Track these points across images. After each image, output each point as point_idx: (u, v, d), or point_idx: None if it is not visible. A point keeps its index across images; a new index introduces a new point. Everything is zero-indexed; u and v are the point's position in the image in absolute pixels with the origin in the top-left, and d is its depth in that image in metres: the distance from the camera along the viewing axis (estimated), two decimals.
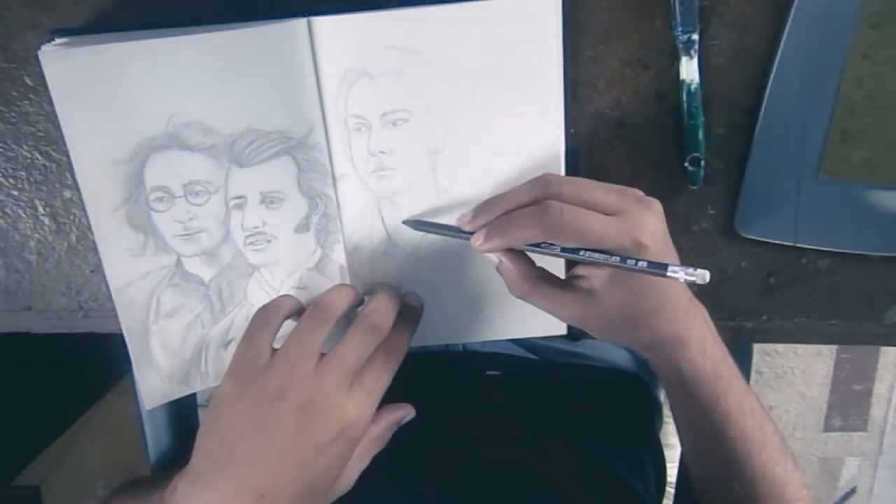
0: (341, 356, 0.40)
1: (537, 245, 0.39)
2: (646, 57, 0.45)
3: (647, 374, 0.75)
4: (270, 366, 0.40)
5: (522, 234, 0.39)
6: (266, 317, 0.43)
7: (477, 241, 0.40)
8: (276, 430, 0.39)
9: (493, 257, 0.42)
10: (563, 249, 0.38)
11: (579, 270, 0.42)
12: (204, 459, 0.40)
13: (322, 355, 0.40)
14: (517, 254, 0.41)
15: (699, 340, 0.42)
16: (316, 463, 0.39)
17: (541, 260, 0.41)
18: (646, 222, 0.38)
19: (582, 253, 0.37)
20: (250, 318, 0.43)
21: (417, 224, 0.45)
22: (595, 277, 0.41)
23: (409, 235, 0.46)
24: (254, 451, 0.39)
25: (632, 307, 0.40)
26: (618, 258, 0.37)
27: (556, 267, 0.44)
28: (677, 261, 0.41)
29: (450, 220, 0.45)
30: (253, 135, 0.43)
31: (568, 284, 0.42)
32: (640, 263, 0.36)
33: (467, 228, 0.41)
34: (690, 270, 0.34)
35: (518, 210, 0.39)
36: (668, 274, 0.35)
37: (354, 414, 0.40)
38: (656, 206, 0.39)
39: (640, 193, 0.40)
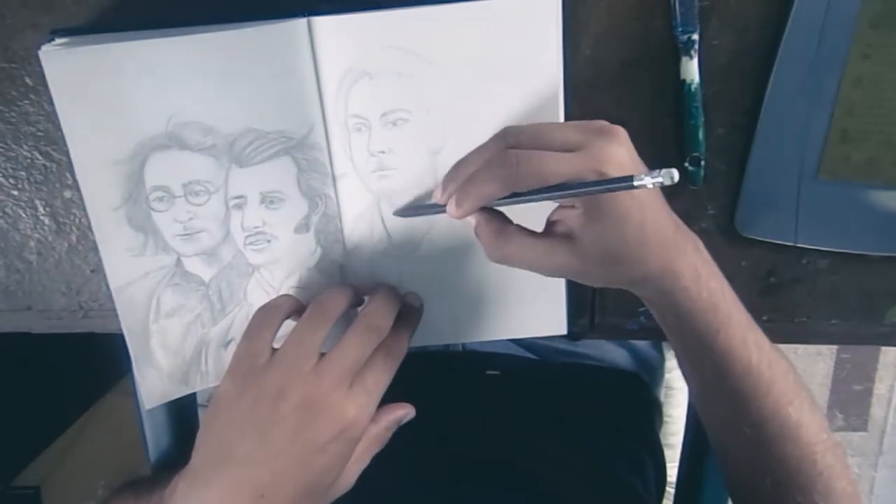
0: (341, 356, 0.40)
1: (508, 198, 0.38)
2: (646, 57, 0.45)
3: (647, 374, 0.75)
4: (270, 365, 0.40)
5: (486, 191, 0.38)
6: (266, 316, 0.43)
7: (450, 210, 0.39)
8: (276, 430, 0.39)
9: (472, 220, 0.41)
10: (529, 193, 0.37)
11: (553, 216, 0.41)
12: (203, 459, 0.40)
13: (322, 355, 0.40)
14: (491, 213, 0.40)
15: (691, 269, 0.40)
16: (315, 462, 0.39)
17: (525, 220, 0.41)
18: (609, 152, 0.36)
19: (549, 194, 0.36)
20: (250, 317, 0.43)
21: (404, 211, 0.45)
22: (569, 219, 0.39)
23: (409, 235, 0.46)
24: (253, 450, 0.39)
25: (612, 243, 0.38)
26: (579, 184, 0.35)
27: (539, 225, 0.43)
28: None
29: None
30: (253, 135, 0.43)
31: (544, 234, 0.40)
32: (604, 180, 0.34)
33: (440, 201, 0.40)
34: (656, 173, 0.32)
35: (477, 169, 0.38)
36: (635, 184, 0.32)
37: (354, 414, 0.40)
38: (619, 133, 0.37)
39: (602, 123, 0.38)
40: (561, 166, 0.36)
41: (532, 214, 0.40)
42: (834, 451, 0.44)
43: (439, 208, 0.41)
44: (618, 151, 0.36)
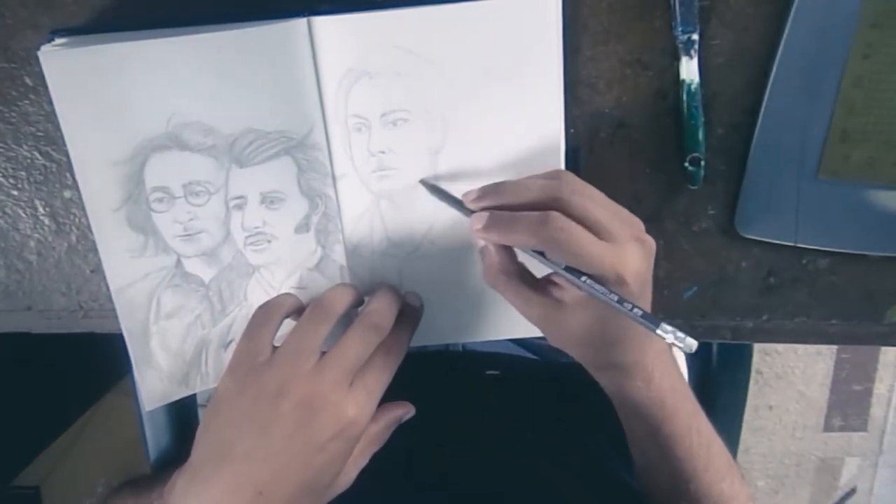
0: (341, 354, 0.40)
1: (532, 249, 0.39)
2: (646, 57, 0.45)
3: None
4: (270, 363, 0.40)
5: (519, 239, 0.39)
6: (266, 314, 0.43)
7: (475, 224, 0.40)
8: (276, 428, 0.39)
9: (481, 241, 0.42)
10: (565, 268, 0.38)
11: (557, 277, 0.42)
12: (203, 456, 0.40)
13: (322, 354, 0.41)
14: (504, 246, 0.41)
15: (646, 370, 0.42)
16: (315, 461, 0.39)
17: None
18: (635, 260, 0.38)
19: (584, 280, 0.37)
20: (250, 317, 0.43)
21: (432, 188, 0.45)
22: (569, 291, 0.41)
23: (409, 235, 0.46)
24: (253, 447, 0.39)
25: (594, 331, 0.40)
26: (614, 297, 0.36)
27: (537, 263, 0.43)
28: (648, 304, 0.41)
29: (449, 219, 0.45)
30: (253, 135, 0.43)
31: (540, 287, 0.42)
32: (634, 310, 0.36)
33: (471, 207, 0.41)
34: (680, 335, 0.34)
35: (522, 214, 0.38)
36: (658, 332, 0.34)
37: (354, 413, 0.40)
38: (650, 245, 0.39)
39: (641, 227, 0.40)
40: (591, 251, 0.37)
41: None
42: None
43: (460, 206, 0.42)
44: (642, 262, 0.38)
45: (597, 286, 0.37)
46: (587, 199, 0.38)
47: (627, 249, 0.38)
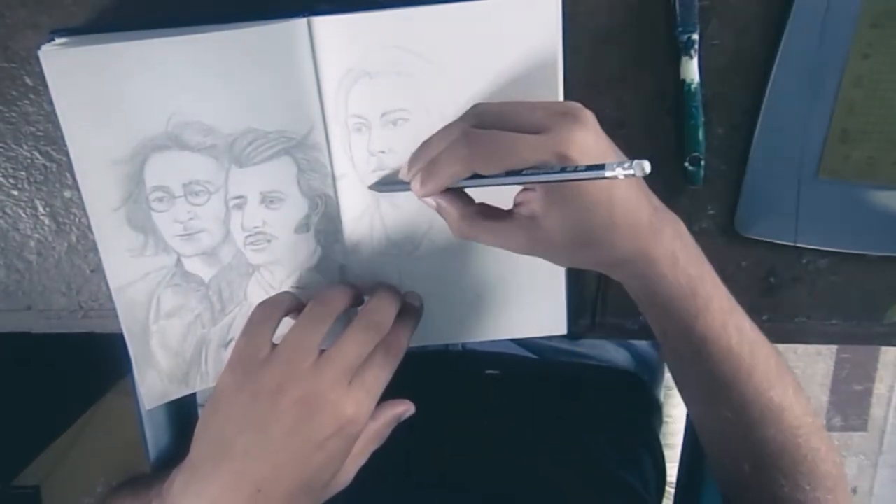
0: (341, 353, 0.40)
1: (473, 179, 0.37)
2: (646, 57, 0.45)
3: (647, 374, 0.75)
4: (270, 360, 0.40)
5: (450, 171, 0.37)
6: (266, 312, 0.43)
7: (414, 187, 0.39)
8: (275, 425, 0.39)
9: (431, 201, 0.41)
10: (501, 175, 0.36)
11: (517, 198, 0.40)
12: (202, 453, 0.40)
13: (322, 352, 0.41)
14: (454, 193, 0.40)
15: (668, 255, 0.39)
16: (314, 458, 0.39)
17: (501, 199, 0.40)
18: (573, 136, 0.35)
19: (524, 172, 0.35)
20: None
21: (378, 186, 0.45)
22: (532, 202, 0.38)
23: (408, 235, 0.46)
24: (251, 445, 0.39)
25: (577, 226, 0.37)
26: (556, 168, 0.34)
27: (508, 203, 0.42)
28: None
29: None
30: (253, 134, 0.43)
31: (509, 215, 0.40)
32: (577, 168, 0.33)
33: (405, 178, 0.40)
34: (627, 164, 0.30)
35: (442, 150, 0.38)
36: (606, 174, 0.31)
37: (353, 411, 0.40)
38: (585, 116, 0.36)
39: (568, 105, 0.37)
40: (523, 149, 0.35)
41: (504, 194, 0.40)
42: (819, 434, 0.44)
43: (409, 186, 0.41)
44: (582, 136, 0.35)
45: (537, 170, 0.35)
46: (500, 108, 0.37)
47: (561, 130, 0.35)
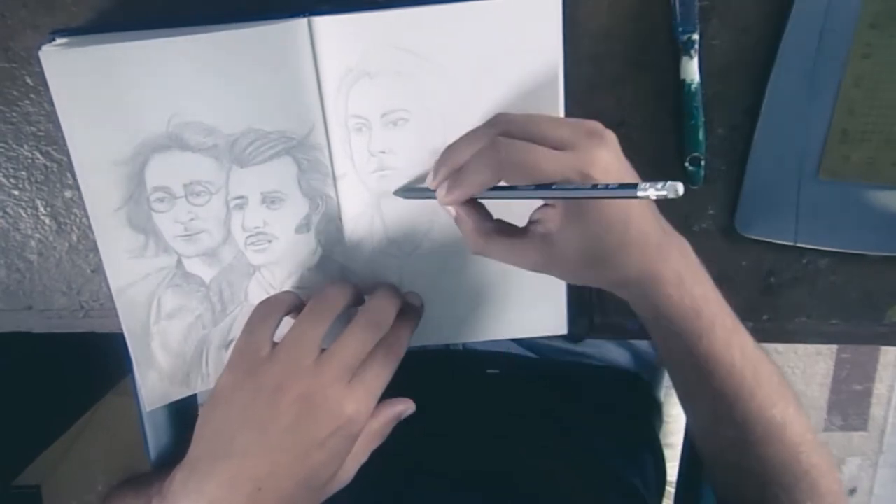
0: (341, 351, 0.40)
1: (497, 190, 0.38)
2: (646, 57, 0.45)
3: (647, 374, 0.75)
4: (270, 359, 0.40)
5: (476, 179, 0.38)
6: (267, 310, 0.43)
7: (440, 195, 0.39)
8: (275, 423, 0.39)
9: (452, 210, 0.41)
10: (528, 189, 0.36)
11: (534, 215, 0.41)
12: (202, 451, 0.40)
13: (322, 351, 0.41)
14: (473, 206, 0.40)
15: (675, 276, 0.39)
16: (314, 457, 0.39)
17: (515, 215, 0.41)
18: (596, 155, 0.36)
19: (554, 187, 0.35)
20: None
21: (403, 192, 0.45)
22: (549, 220, 0.39)
23: (409, 235, 0.47)
24: (252, 443, 0.39)
25: (591, 246, 0.37)
26: (588, 185, 0.34)
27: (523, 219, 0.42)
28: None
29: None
30: (254, 135, 0.43)
31: (524, 232, 0.41)
32: (609, 186, 0.33)
33: (430, 186, 0.40)
34: (659, 185, 0.30)
35: (471, 157, 0.38)
36: (639, 194, 0.31)
37: (353, 410, 0.40)
38: (608, 137, 0.37)
39: (594, 125, 0.37)
40: (549, 163, 0.35)
41: (513, 209, 0.40)
42: (819, 451, 0.44)
43: (433, 193, 0.41)
44: (605, 155, 0.36)
45: (568, 185, 0.35)
46: (527, 120, 0.37)
47: (586, 148, 0.36)
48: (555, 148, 0.36)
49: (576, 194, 0.35)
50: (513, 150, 0.36)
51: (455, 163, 0.39)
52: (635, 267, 0.38)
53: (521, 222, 0.42)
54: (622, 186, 0.32)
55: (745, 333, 0.43)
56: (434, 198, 0.41)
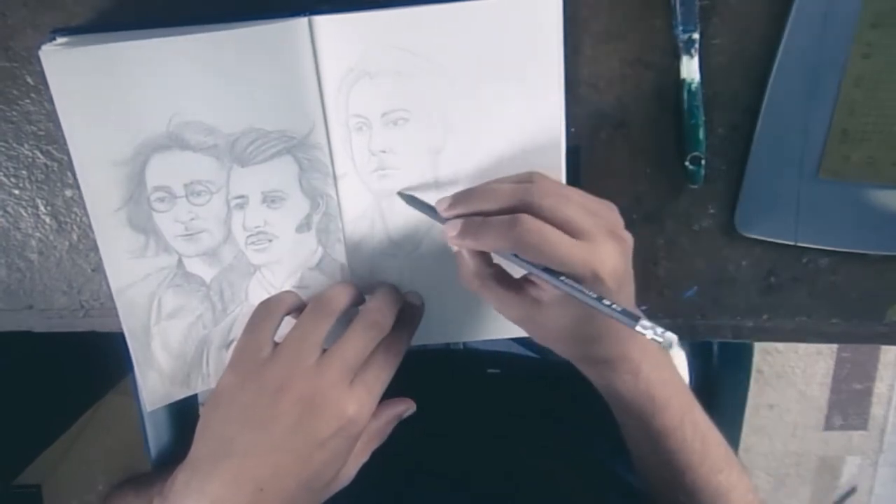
0: (342, 352, 0.40)
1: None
2: (646, 57, 0.46)
3: None
4: (271, 359, 0.40)
5: (490, 244, 0.39)
6: (268, 311, 0.43)
7: (450, 232, 0.40)
8: (276, 424, 0.39)
9: (455, 247, 0.42)
10: (543, 269, 0.37)
11: (535, 277, 0.41)
12: (203, 451, 0.40)
13: (323, 351, 0.41)
14: (478, 252, 0.41)
15: (632, 364, 0.42)
16: (315, 457, 0.39)
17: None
18: (611, 257, 0.37)
19: (561, 279, 0.37)
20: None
21: (409, 198, 0.45)
22: (544, 289, 0.41)
23: (409, 235, 0.47)
24: (253, 443, 0.39)
25: (574, 328, 0.40)
26: (593, 295, 0.35)
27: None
28: (632, 299, 0.41)
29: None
30: (254, 134, 0.43)
31: (518, 287, 0.42)
32: (613, 307, 0.35)
33: (445, 215, 0.41)
34: (659, 331, 0.33)
35: (493, 219, 0.38)
36: (637, 329, 0.33)
37: (354, 410, 0.40)
38: (627, 242, 0.39)
39: (618, 223, 0.39)
40: (563, 254, 0.36)
41: None
42: None
43: (435, 214, 0.42)
44: (617, 259, 0.38)
45: (575, 285, 0.36)
46: (559, 198, 0.38)
47: (602, 247, 0.37)
48: (575, 231, 0.37)
49: (581, 297, 0.36)
50: (534, 234, 0.37)
51: (475, 208, 0.39)
52: (601, 352, 0.41)
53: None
54: (625, 313, 0.34)
55: (697, 407, 0.46)
56: (434, 219, 0.42)
